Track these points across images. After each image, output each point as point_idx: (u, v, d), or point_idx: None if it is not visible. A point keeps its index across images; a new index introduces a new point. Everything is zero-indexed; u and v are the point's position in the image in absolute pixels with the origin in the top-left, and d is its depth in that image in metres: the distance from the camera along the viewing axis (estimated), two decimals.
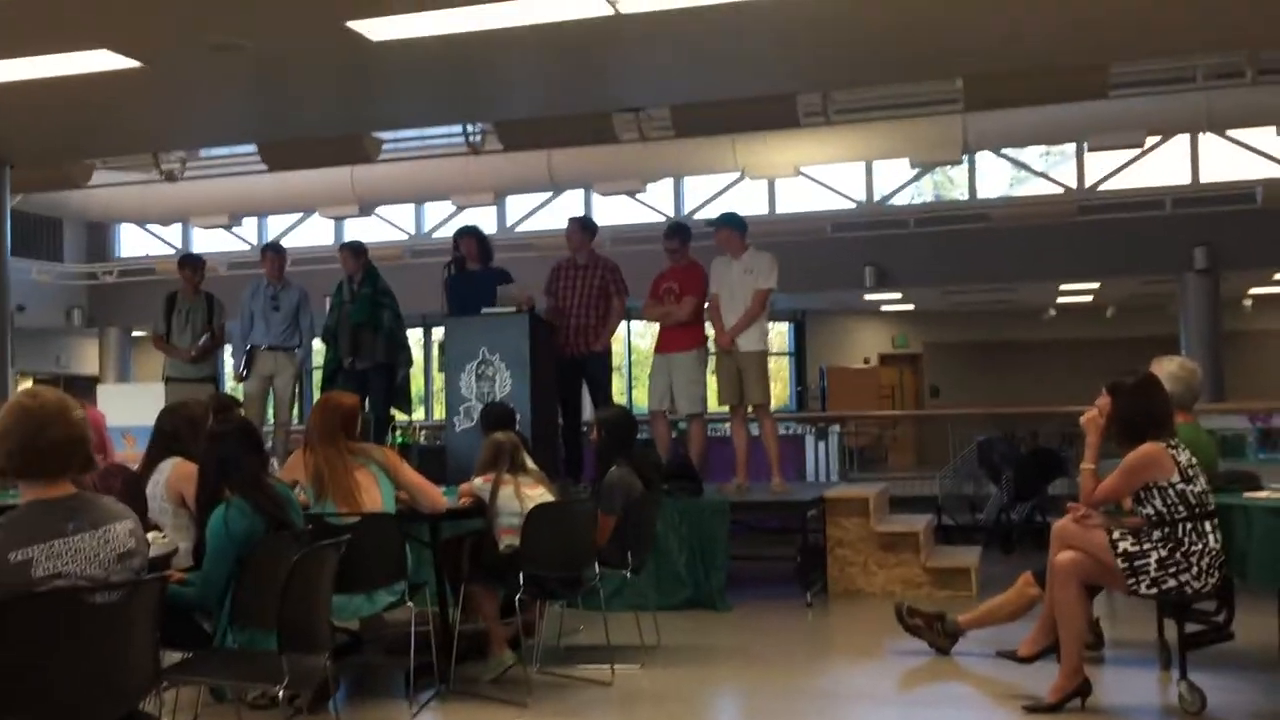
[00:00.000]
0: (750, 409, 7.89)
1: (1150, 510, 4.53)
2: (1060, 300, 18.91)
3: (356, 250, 8.68)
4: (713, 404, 8.68)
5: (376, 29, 5.94)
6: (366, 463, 4.94)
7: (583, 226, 8.35)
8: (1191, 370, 5.33)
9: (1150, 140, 13.04)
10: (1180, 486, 4.47)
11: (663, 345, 8.02)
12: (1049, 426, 12.18)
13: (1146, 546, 4.51)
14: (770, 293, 7.70)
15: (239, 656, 3.71)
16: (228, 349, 9.57)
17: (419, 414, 17.83)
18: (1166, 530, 4.50)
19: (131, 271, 17.24)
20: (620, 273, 8.15)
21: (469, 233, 8.48)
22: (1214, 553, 4.47)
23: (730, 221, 7.88)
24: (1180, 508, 4.47)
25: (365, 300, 8.42)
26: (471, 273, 8.23)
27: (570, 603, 5.86)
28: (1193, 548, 4.45)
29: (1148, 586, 4.52)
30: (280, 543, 3.82)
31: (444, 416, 7.85)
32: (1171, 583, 4.47)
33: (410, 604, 4.81)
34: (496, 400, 7.15)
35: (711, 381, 8.31)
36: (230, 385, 9.14)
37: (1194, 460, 4.56)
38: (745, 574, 7.69)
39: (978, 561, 7.45)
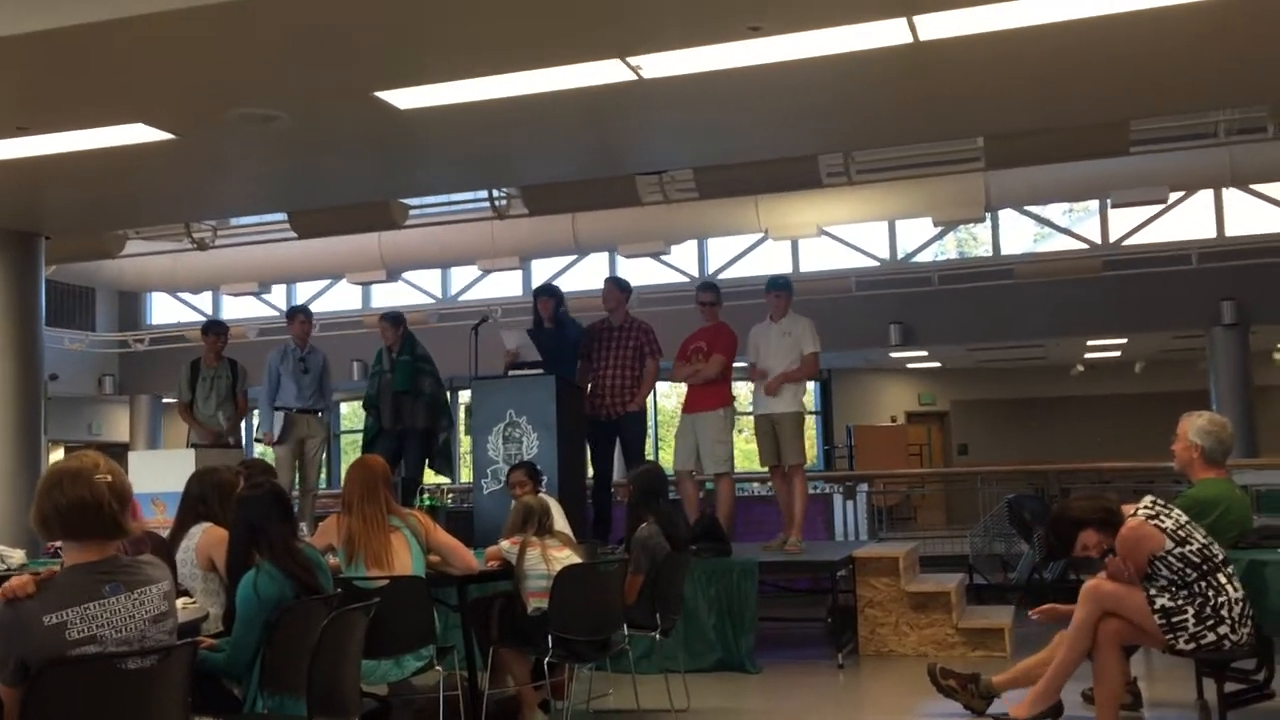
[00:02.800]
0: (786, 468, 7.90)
1: (1163, 581, 4.52)
2: (1088, 356, 18.81)
3: (395, 320, 8.80)
4: (749, 465, 8.70)
5: (404, 98, 6.05)
6: (401, 526, 4.96)
7: (619, 287, 8.40)
8: (1222, 425, 5.29)
9: (1174, 195, 13.03)
10: (1178, 551, 4.48)
11: (689, 405, 8.07)
12: (1080, 483, 12.05)
13: (1182, 602, 4.48)
14: (817, 356, 7.83)
15: None
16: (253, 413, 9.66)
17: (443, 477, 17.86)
18: (1185, 593, 4.48)
19: (162, 339, 17.44)
20: (654, 334, 8.22)
21: (548, 293, 8.51)
22: (1239, 602, 4.45)
23: (788, 286, 8.05)
24: (1188, 570, 4.48)
25: (405, 367, 8.52)
26: (544, 330, 8.29)
27: (599, 665, 5.83)
28: (1218, 599, 4.44)
29: (1186, 642, 4.47)
30: (310, 608, 3.82)
31: (471, 479, 7.86)
32: (1210, 636, 4.43)
33: (438, 668, 4.80)
34: (524, 461, 7.14)
35: (738, 441, 8.33)
36: (259, 450, 9.20)
37: (1183, 519, 4.55)
38: (775, 635, 7.62)
39: (1011, 621, 7.35)
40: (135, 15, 4.93)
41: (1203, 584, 4.46)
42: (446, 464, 8.96)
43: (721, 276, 15.99)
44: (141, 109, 6.16)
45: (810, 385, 20.34)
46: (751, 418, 8.19)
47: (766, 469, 8.18)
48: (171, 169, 7.34)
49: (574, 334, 8.35)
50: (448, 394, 8.94)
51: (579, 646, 5.14)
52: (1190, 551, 4.48)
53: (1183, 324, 14.49)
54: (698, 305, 8.17)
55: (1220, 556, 4.55)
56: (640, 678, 5.55)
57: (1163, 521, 4.52)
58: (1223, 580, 4.49)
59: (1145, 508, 4.61)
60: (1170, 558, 4.48)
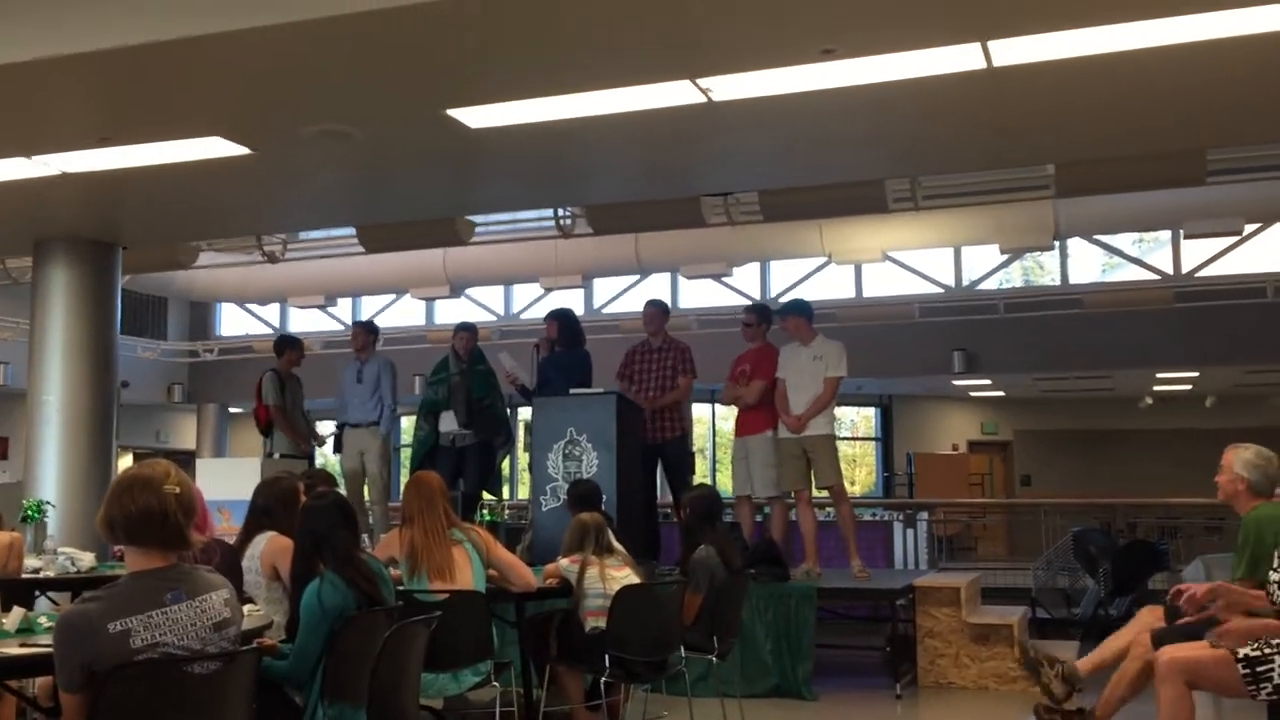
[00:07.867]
0: (827, 492, 7.81)
1: (1274, 584, 4.35)
2: (1157, 389, 18.45)
3: (473, 331, 8.84)
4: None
5: (475, 116, 6.11)
6: (463, 539, 4.99)
7: (662, 310, 8.47)
8: (1269, 458, 5.17)
9: (1250, 227, 12.76)
10: None
11: (739, 429, 8.08)
12: (1147, 518, 11.80)
13: (1269, 651, 4.31)
14: (840, 381, 7.72)
15: None
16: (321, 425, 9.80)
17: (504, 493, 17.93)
18: None
19: (230, 350, 17.75)
20: (690, 354, 8.25)
21: (554, 316, 8.62)
22: None
23: (799, 309, 7.99)
24: None
25: (481, 377, 8.58)
26: (552, 355, 8.38)
27: (655, 687, 5.80)
28: None
29: (1270, 694, 4.31)
30: (372, 619, 3.85)
31: (529, 496, 7.90)
32: None
33: (495, 684, 4.81)
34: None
35: None
36: (328, 463, 9.35)
37: None
38: (832, 663, 7.54)
39: (1075, 656, 7.18)
40: (217, 33, 5.04)
41: None
42: (498, 483, 8.99)
43: (784, 299, 15.94)
44: (219, 123, 6.28)
45: (871, 411, 20.28)
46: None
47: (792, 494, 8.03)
48: (246, 183, 7.48)
49: (581, 361, 8.36)
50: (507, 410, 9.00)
51: (636, 667, 5.13)
52: None
53: (1256, 358, 14.17)
54: (741, 326, 8.17)
55: None
56: (696, 701, 5.51)
57: None
58: None
59: None
60: None
